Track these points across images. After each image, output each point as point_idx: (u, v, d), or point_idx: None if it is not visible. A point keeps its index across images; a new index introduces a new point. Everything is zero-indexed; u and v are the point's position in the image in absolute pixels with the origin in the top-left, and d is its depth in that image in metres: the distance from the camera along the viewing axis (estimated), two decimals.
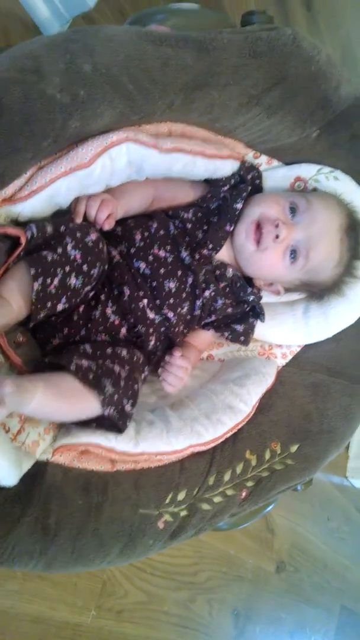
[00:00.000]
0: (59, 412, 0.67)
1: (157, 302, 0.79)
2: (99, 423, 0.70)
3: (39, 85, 0.59)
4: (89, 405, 0.67)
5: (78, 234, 0.68)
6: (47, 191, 0.65)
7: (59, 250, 0.66)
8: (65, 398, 0.65)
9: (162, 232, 0.80)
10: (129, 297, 0.76)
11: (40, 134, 0.60)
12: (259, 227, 0.82)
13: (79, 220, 0.73)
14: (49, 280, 0.64)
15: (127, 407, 0.70)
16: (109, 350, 0.71)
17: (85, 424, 0.71)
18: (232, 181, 0.86)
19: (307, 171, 0.89)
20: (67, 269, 0.67)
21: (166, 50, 0.65)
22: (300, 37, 0.75)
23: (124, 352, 0.72)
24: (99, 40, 0.62)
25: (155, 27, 0.69)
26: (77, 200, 0.73)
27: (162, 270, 0.79)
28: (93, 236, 0.69)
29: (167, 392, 0.84)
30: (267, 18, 0.78)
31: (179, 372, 0.80)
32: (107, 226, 0.75)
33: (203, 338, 0.91)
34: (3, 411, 0.58)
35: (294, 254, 0.83)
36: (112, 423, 0.69)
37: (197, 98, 0.70)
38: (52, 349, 0.73)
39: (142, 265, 0.78)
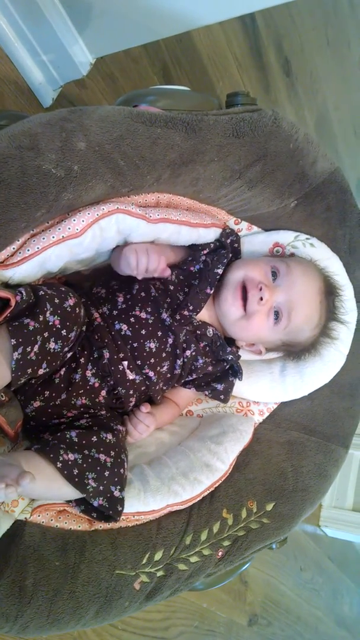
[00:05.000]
0: (42, 495, 0.69)
1: (138, 362, 0.81)
2: (96, 510, 0.72)
3: (35, 161, 0.62)
4: (74, 494, 0.69)
5: (56, 300, 0.68)
6: (38, 258, 0.68)
7: (40, 318, 0.66)
8: (48, 482, 0.66)
9: (143, 294, 0.83)
10: (108, 359, 0.78)
11: (34, 206, 0.63)
12: (244, 290, 0.86)
13: (140, 276, 0.78)
14: (29, 349, 0.65)
15: (116, 493, 0.71)
16: (94, 439, 0.72)
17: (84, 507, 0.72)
18: (212, 245, 0.90)
19: (285, 238, 0.94)
20: (46, 334, 0.67)
21: (156, 130, 0.69)
22: (280, 118, 0.80)
23: (109, 436, 0.73)
24: (93, 120, 0.66)
25: (145, 108, 0.73)
26: (132, 253, 0.77)
27: (143, 331, 0.81)
28: (71, 301, 0.70)
29: (145, 450, 0.85)
30: (250, 99, 0.84)
31: (139, 426, 0.82)
32: (167, 273, 0.81)
33: (184, 395, 0.94)
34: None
35: (276, 315, 0.87)
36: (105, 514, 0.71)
37: (183, 173, 0.74)
38: (33, 411, 0.74)
39: (124, 327, 0.80)
